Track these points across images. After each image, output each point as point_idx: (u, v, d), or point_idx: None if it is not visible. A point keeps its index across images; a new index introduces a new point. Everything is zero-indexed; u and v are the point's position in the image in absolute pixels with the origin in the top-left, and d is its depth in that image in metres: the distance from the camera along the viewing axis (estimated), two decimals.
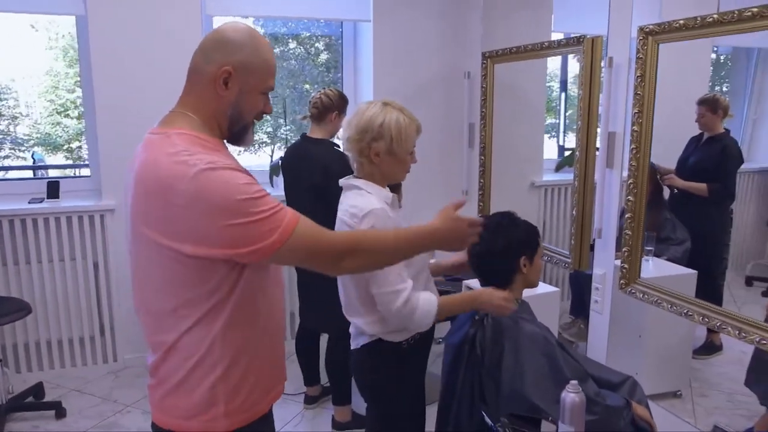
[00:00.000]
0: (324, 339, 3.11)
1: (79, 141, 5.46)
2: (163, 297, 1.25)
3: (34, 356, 3.38)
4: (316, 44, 4.45)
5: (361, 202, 1.76)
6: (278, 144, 4.66)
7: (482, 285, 2.03)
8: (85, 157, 4.02)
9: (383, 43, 3.76)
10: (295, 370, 3.13)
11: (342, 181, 1.89)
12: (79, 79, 3.79)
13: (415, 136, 1.87)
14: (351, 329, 1.96)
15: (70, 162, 5.71)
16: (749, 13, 2.06)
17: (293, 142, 3.15)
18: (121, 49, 3.20)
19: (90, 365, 3.47)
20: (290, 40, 4.34)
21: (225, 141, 1.35)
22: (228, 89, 1.27)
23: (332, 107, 2.74)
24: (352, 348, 1.96)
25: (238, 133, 1.35)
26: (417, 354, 1.95)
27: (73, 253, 3.35)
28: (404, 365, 1.90)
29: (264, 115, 1.37)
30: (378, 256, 1.39)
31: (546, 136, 4.28)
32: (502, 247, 1.93)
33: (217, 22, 3.74)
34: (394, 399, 1.95)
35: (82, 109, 3.78)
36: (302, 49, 4.42)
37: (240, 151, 4.19)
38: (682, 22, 2.35)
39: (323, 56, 4.50)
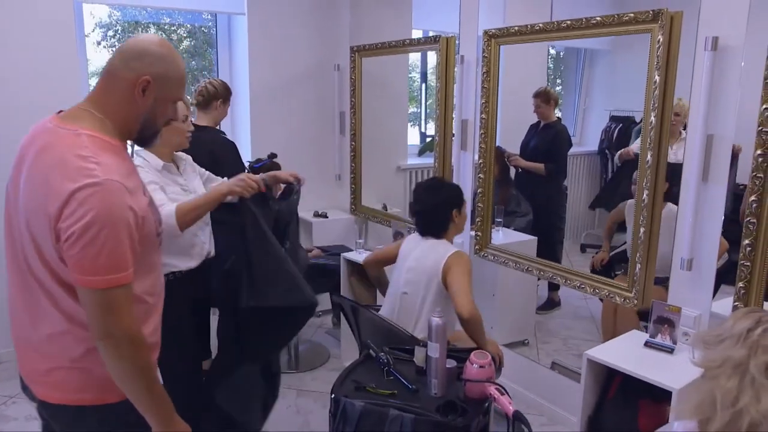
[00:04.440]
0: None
1: None
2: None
3: None
4: (179, 31, 4.46)
5: None
6: None
7: (423, 236, 2.46)
8: None
9: (257, 36, 3.92)
10: None
11: None
12: None
13: (182, 106, 2.13)
14: None
15: None
16: (565, 24, 2.55)
17: None
18: None
19: None
20: (150, 26, 4.32)
21: (134, 141, 1.46)
22: (145, 97, 1.35)
23: (217, 95, 2.91)
24: None
25: (148, 137, 1.45)
26: (180, 292, 2.09)
27: None
28: (167, 298, 2.16)
29: (171, 121, 1.50)
30: None
31: (409, 124, 4.68)
32: (437, 203, 2.42)
33: (87, 9, 3.71)
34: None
35: None
36: (164, 36, 4.41)
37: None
38: (517, 28, 2.81)
39: (186, 43, 4.53)
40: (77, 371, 1.34)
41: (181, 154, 2.29)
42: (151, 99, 1.36)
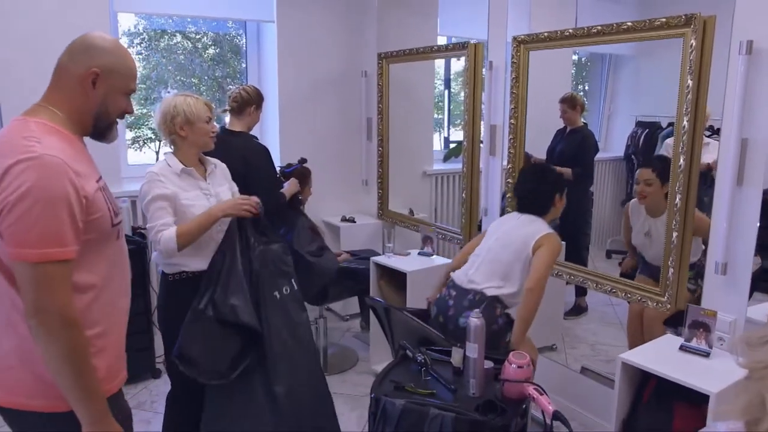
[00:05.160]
0: None
1: None
2: None
3: None
4: (204, 39, 4.54)
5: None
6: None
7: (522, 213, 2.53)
8: None
9: (287, 43, 3.99)
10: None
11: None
12: None
13: (205, 107, 2.23)
14: None
15: None
16: (595, 30, 2.57)
17: None
18: (27, 43, 3.20)
19: None
20: (176, 34, 4.40)
21: (89, 137, 1.44)
22: (95, 89, 1.37)
23: (251, 101, 2.97)
24: None
25: (103, 130, 1.44)
26: (184, 293, 2.18)
27: None
28: (171, 298, 2.23)
29: (126, 114, 1.48)
30: None
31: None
32: (544, 186, 2.52)
33: (122, 18, 3.80)
34: (165, 326, 2.27)
35: None
36: (190, 44, 4.49)
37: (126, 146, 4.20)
38: (546, 34, 2.83)
39: (211, 51, 4.61)
40: (28, 372, 1.30)
41: (213, 160, 2.35)
42: (101, 91, 1.38)
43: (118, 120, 1.47)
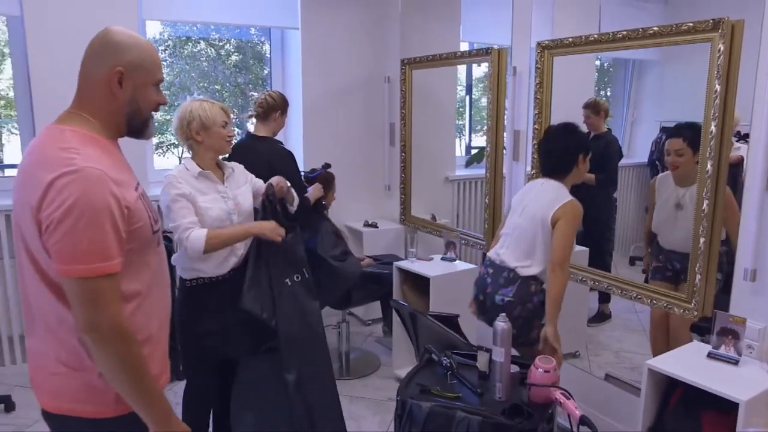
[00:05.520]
0: None
1: None
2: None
3: None
4: (226, 46, 4.60)
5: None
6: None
7: (545, 176, 2.54)
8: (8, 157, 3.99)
9: (310, 50, 4.04)
10: None
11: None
12: None
13: (221, 112, 2.28)
14: None
15: None
16: (621, 35, 2.56)
17: (239, 139, 3.36)
18: (58, 51, 3.27)
19: None
20: (200, 41, 4.48)
21: (127, 136, 1.41)
22: (123, 88, 1.33)
23: (276, 107, 3.00)
24: None
25: (139, 128, 1.41)
26: (199, 299, 2.24)
27: (12, 251, 3.40)
28: (188, 303, 2.25)
29: (159, 105, 1.43)
30: None
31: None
32: (568, 144, 2.50)
33: (150, 26, 3.88)
34: (183, 331, 2.29)
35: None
36: (213, 51, 4.56)
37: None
38: (571, 39, 2.83)
39: (234, 58, 4.67)
40: (76, 379, 1.30)
41: (231, 163, 2.39)
42: (129, 88, 1.34)
43: (153, 113, 1.44)
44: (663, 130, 3.72)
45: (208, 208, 2.16)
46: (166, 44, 4.24)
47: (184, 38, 4.33)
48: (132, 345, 1.25)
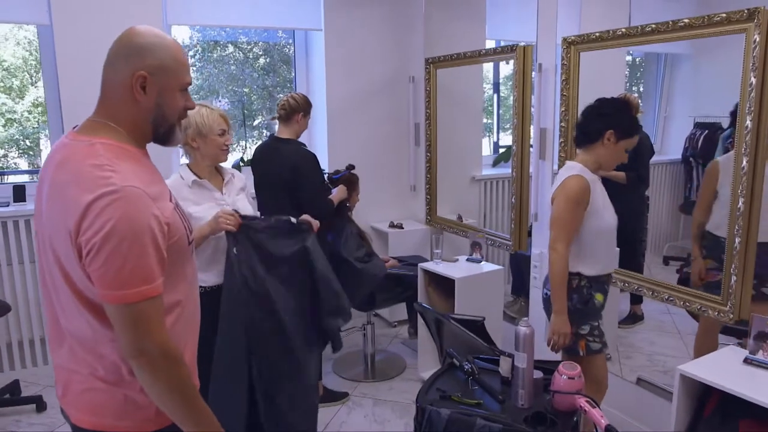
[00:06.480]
0: None
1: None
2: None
3: (13, 354, 3.47)
4: (254, 49, 4.63)
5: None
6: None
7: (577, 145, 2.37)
8: (38, 164, 4.07)
9: (334, 51, 4.03)
10: None
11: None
12: (2, 84, 3.86)
13: (219, 119, 2.22)
14: None
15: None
16: (649, 28, 2.47)
17: (262, 141, 3.37)
18: (85, 58, 3.32)
19: None
20: (228, 45, 4.51)
21: (153, 142, 1.34)
22: (147, 94, 1.25)
23: (298, 108, 2.99)
24: None
25: (166, 135, 1.33)
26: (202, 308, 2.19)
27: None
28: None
29: (187, 110, 1.35)
30: None
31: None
32: (596, 113, 2.29)
33: (177, 31, 3.92)
34: None
35: (11, 117, 3.86)
36: (241, 54, 4.59)
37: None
38: (597, 34, 2.75)
39: (262, 61, 4.70)
40: (116, 395, 1.26)
41: (232, 170, 2.35)
42: (154, 93, 1.26)
43: (181, 120, 1.36)
44: (697, 125, 3.61)
45: (200, 218, 2.10)
46: (195, 49, 4.28)
47: (213, 42, 4.37)
48: (180, 367, 1.22)
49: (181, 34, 4.10)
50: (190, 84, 1.33)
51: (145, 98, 1.25)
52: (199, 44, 4.31)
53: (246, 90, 4.55)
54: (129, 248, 1.13)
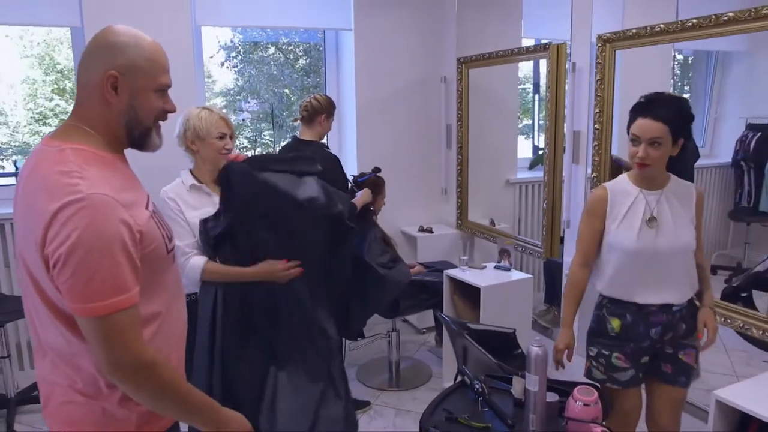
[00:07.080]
0: None
1: None
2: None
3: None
4: (295, 50, 4.63)
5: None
6: (260, 149, 4.81)
7: None
8: None
9: (364, 51, 3.96)
10: None
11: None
12: (56, 86, 3.94)
13: (220, 122, 2.17)
14: None
15: None
16: (690, 24, 2.30)
17: (285, 143, 3.33)
18: None
19: None
20: (270, 46, 4.52)
21: (130, 147, 1.28)
22: (118, 95, 1.19)
23: (321, 110, 2.94)
24: None
25: (141, 138, 1.26)
26: (192, 314, 2.05)
27: None
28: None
29: (167, 113, 1.28)
30: None
31: (522, 137, 4.50)
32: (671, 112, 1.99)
33: (213, 33, 3.92)
34: None
35: (64, 117, 3.92)
36: (282, 55, 4.59)
37: None
38: (634, 30, 2.59)
39: (302, 62, 4.69)
40: (89, 408, 1.22)
41: None
42: (126, 95, 1.19)
43: (160, 123, 1.29)
44: (750, 127, 3.40)
45: (196, 224, 2.06)
46: (236, 50, 4.31)
47: (253, 43, 4.38)
48: (162, 372, 1.17)
49: (223, 36, 4.12)
50: (169, 86, 1.26)
51: (116, 99, 1.19)
52: (241, 45, 4.33)
53: (286, 91, 4.55)
54: (97, 259, 1.07)
